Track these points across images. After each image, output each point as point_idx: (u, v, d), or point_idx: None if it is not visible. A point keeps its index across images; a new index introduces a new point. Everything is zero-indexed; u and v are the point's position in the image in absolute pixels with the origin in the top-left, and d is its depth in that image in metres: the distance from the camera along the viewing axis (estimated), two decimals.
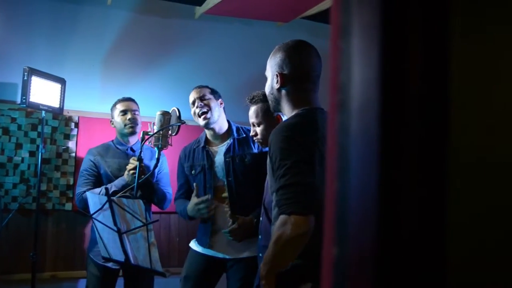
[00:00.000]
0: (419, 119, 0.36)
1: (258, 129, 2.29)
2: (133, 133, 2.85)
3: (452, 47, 0.37)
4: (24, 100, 2.92)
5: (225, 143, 2.50)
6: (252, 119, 2.31)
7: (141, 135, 2.65)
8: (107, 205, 2.01)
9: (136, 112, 2.88)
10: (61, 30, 3.52)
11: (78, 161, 3.45)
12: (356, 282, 0.39)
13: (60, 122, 3.45)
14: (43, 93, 3.05)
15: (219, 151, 2.51)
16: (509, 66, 0.39)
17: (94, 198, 2.10)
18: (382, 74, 0.36)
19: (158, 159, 2.36)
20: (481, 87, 0.39)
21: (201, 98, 2.50)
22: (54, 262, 3.34)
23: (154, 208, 2.96)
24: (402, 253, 0.37)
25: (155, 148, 2.39)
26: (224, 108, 2.60)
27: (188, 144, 2.69)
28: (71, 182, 3.43)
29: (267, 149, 2.37)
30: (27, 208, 3.27)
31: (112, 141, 2.94)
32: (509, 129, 0.38)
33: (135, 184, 2.31)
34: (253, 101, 2.31)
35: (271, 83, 1.73)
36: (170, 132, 2.40)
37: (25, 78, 2.94)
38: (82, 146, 3.48)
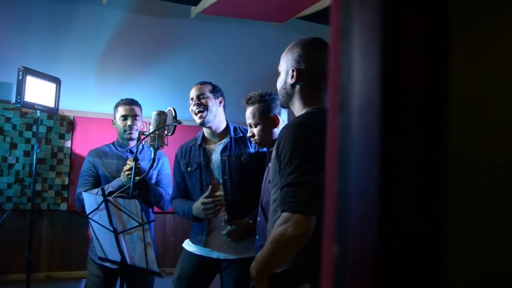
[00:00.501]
0: (419, 119, 0.37)
1: (255, 130, 2.29)
2: (131, 139, 2.85)
3: (452, 48, 0.37)
4: (19, 100, 2.90)
5: (222, 141, 2.51)
6: (249, 120, 2.31)
7: (137, 135, 2.65)
8: (103, 205, 2.00)
9: (137, 117, 2.85)
10: (56, 30, 3.51)
11: (73, 161, 3.44)
12: (356, 281, 0.39)
13: (55, 122, 3.43)
14: (38, 92, 3.04)
15: (216, 149, 2.51)
16: (509, 67, 0.39)
17: (90, 198, 2.10)
18: (383, 75, 0.37)
19: (154, 159, 2.36)
20: (481, 88, 0.39)
21: (199, 97, 2.50)
22: (49, 262, 3.33)
23: (155, 208, 2.96)
24: (402, 253, 0.37)
25: (151, 148, 2.38)
26: (224, 106, 2.59)
27: (185, 142, 2.69)
28: (66, 182, 3.42)
29: (264, 149, 2.39)
30: (22, 208, 3.26)
31: (113, 142, 2.94)
32: (509, 130, 0.39)
33: (131, 184, 2.31)
34: (249, 102, 2.31)
35: (284, 78, 1.71)
36: (166, 132, 2.40)
37: (20, 77, 2.92)
38: (77, 146, 3.48)
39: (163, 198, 2.81)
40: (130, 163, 2.57)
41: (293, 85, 1.68)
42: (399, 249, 0.37)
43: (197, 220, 2.47)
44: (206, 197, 2.34)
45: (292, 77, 1.66)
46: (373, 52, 0.38)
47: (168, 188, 2.88)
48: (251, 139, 2.33)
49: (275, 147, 1.60)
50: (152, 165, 2.39)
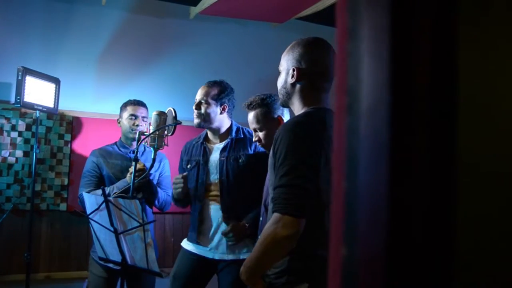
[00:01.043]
0: (428, 121, 0.37)
1: (261, 134, 2.27)
2: (136, 139, 2.86)
3: (460, 49, 0.38)
4: (18, 100, 2.90)
5: (223, 142, 2.51)
6: (253, 124, 2.29)
7: (137, 135, 2.65)
8: (103, 206, 2.00)
9: (145, 119, 2.88)
10: (55, 30, 3.51)
11: (72, 161, 3.44)
12: (366, 281, 0.40)
13: (55, 122, 3.43)
14: (38, 93, 3.04)
15: (216, 149, 2.51)
16: None
17: (91, 199, 2.10)
18: (392, 77, 0.37)
19: (154, 159, 2.36)
20: (489, 89, 0.39)
21: (200, 102, 2.48)
22: (49, 263, 3.33)
23: (154, 209, 2.96)
24: (412, 253, 0.37)
25: (151, 149, 2.38)
26: (231, 109, 2.55)
27: (192, 139, 2.69)
28: (66, 183, 3.41)
29: (261, 149, 2.39)
30: (21, 209, 3.26)
31: (116, 142, 2.93)
32: None
33: (131, 184, 2.31)
34: (251, 106, 2.29)
35: (285, 77, 1.71)
36: (166, 132, 2.40)
37: (19, 77, 2.92)
38: (77, 146, 3.48)
39: (165, 199, 2.83)
40: (138, 165, 2.57)
41: (293, 84, 1.68)
42: (409, 249, 0.37)
43: (178, 202, 2.55)
44: (177, 177, 2.46)
45: (293, 76, 1.67)
46: (383, 54, 0.38)
47: (168, 189, 2.89)
48: (258, 144, 2.31)
49: (272, 145, 1.61)
50: (152, 165, 2.40)
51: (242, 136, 2.49)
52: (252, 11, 3.78)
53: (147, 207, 2.79)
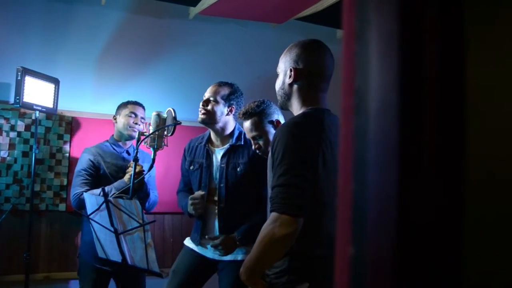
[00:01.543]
0: (437, 122, 0.38)
1: (261, 142, 2.27)
2: (131, 137, 2.86)
3: (469, 52, 0.38)
4: (17, 100, 2.90)
5: (223, 147, 2.49)
6: (251, 132, 2.27)
7: (136, 136, 2.65)
8: (103, 206, 2.01)
9: (143, 120, 2.90)
10: (55, 30, 3.50)
11: (71, 161, 3.44)
12: (374, 280, 0.40)
13: (54, 122, 3.43)
14: (37, 93, 3.04)
15: (217, 153, 2.50)
16: None
17: (91, 199, 2.10)
18: (402, 79, 0.37)
19: (153, 160, 2.37)
20: (498, 90, 0.40)
21: (209, 99, 2.47)
22: (48, 263, 3.33)
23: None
24: (420, 253, 0.38)
25: (151, 149, 2.39)
26: (236, 113, 2.54)
27: (195, 137, 2.68)
28: (65, 183, 3.41)
29: (252, 152, 2.38)
30: (20, 209, 3.25)
31: (107, 141, 2.92)
32: None
33: (131, 184, 2.31)
34: (246, 115, 2.27)
35: (283, 78, 1.73)
36: (165, 132, 2.40)
37: (19, 78, 2.92)
38: (76, 146, 3.47)
39: (154, 201, 2.89)
40: (138, 167, 2.57)
41: (291, 85, 1.70)
42: (418, 249, 0.38)
43: (191, 216, 2.50)
44: (195, 196, 2.41)
45: (290, 76, 1.68)
46: (392, 56, 0.38)
47: (153, 190, 2.93)
48: (258, 151, 2.29)
49: (270, 145, 1.62)
50: (151, 166, 2.40)
51: (242, 143, 2.46)
52: (251, 11, 3.79)
53: None
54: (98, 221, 2.08)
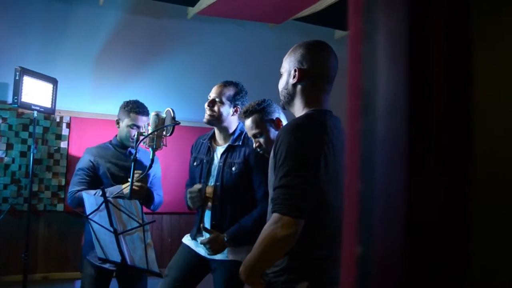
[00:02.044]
0: (446, 123, 0.38)
1: (261, 140, 2.28)
2: (132, 147, 2.84)
3: (476, 52, 0.39)
4: (16, 100, 2.89)
5: (224, 146, 2.50)
6: (252, 130, 2.28)
7: (135, 136, 2.65)
8: (103, 206, 2.00)
9: (143, 128, 2.84)
10: (53, 30, 3.50)
11: (69, 161, 3.43)
12: (382, 279, 0.40)
13: (52, 122, 3.42)
14: (35, 93, 3.03)
15: (218, 151, 2.52)
16: None
17: (90, 199, 2.09)
18: (410, 80, 0.38)
19: (152, 160, 2.37)
20: (505, 90, 0.40)
21: (213, 100, 2.48)
22: (46, 263, 3.32)
23: (145, 209, 2.98)
24: (428, 253, 0.38)
25: (150, 149, 2.39)
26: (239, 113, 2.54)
27: (203, 135, 2.69)
28: (63, 183, 3.41)
29: (251, 159, 2.39)
30: (18, 209, 3.24)
31: (110, 141, 2.92)
32: None
33: (130, 185, 2.31)
34: (247, 113, 2.29)
35: (286, 79, 1.73)
36: (164, 133, 2.40)
37: (17, 77, 2.91)
38: (74, 146, 3.47)
39: (158, 202, 2.90)
40: (136, 184, 2.58)
41: (294, 85, 1.70)
42: (426, 249, 0.38)
43: (191, 208, 2.54)
44: (192, 189, 2.45)
45: (294, 76, 1.69)
46: (400, 58, 0.39)
47: (159, 190, 2.95)
48: (258, 149, 2.30)
49: (273, 147, 1.62)
50: (150, 166, 2.40)
51: (241, 143, 2.46)
52: (249, 11, 3.79)
53: None
54: (97, 221, 2.08)
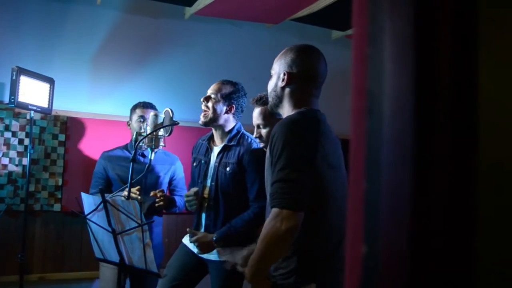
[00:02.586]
0: (451, 124, 0.38)
1: (263, 131, 2.29)
2: None
3: (481, 53, 0.39)
4: (12, 100, 2.89)
5: (220, 146, 2.51)
6: (258, 120, 2.31)
7: (133, 136, 2.65)
8: (101, 206, 2.00)
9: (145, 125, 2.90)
10: (50, 30, 3.49)
11: (66, 161, 3.43)
12: (388, 278, 0.41)
13: (49, 122, 3.41)
14: (32, 93, 3.02)
15: (215, 151, 2.52)
16: None
17: (89, 199, 2.09)
18: (417, 81, 0.38)
19: (150, 160, 2.36)
20: (510, 94, 0.41)
21: (209, 96, 2.49)
22: (42, 264, 3.31)
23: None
24: (433, 252, 0.39)
25: (148, 149, 2.39)
26: (237, 113, 2.52)
27: (204, 135, 2.70)
28: (60, 183, 3.40)
29: (245, 159, 2.39)
30: (15, 210, 3.23)
31: (126, 145, 2.97)
32: None
33: (129, 186, 2.31)
34: (259, 102, 2.31)
35: (276, 81, 1.76)
36: (163, 133, 2.40)
37: (14, 77, 2.90)
38: (71, 146, 3.46)
39: (182, 204, 2.87)
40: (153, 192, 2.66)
41: (283, 88, 1.73)
42: (431, 248, 0.39)
43: (188, 211, 2.57)
44: (188, 193, 2.49)
45: (283, 80, 1.71)
46: (407, 60, 0.39)
47: (182, 190, 2.97)
48: (258, 140, 2.32)
49: (269, 142, 1.63)
50: (148, 166, 2.39)
51: (236, 143, 2.45)
52: (247, 12, 3.79)
53: (156, 217, 2.84)
54: (95, 221, 2.08)
